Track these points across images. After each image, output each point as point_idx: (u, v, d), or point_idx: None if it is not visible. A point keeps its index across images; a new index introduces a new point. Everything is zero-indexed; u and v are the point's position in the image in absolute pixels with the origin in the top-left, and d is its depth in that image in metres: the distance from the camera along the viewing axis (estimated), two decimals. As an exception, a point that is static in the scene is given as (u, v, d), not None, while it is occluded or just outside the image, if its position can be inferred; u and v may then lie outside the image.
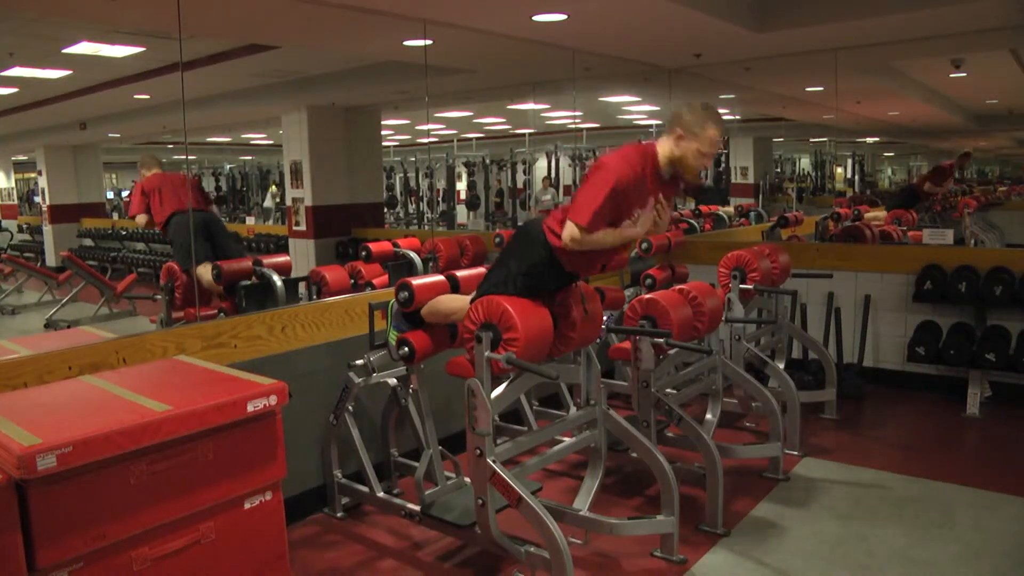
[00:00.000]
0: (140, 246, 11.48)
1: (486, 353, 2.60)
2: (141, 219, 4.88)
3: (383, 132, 9.40)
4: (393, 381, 3.36)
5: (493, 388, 2.68)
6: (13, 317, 8.64)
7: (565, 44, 5.25)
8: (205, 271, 4.36)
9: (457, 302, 2.98)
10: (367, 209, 8.71)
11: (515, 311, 2.60)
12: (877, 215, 6.78)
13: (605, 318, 3.40)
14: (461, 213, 12.95)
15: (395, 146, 14.90)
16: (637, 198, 2.70)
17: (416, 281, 3.04)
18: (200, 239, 4.57)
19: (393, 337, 3.10)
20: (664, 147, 2.74)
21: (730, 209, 8.50)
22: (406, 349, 3.01)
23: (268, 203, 13.97)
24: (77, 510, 1.79)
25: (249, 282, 4.35)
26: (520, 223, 10.66)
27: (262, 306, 4.11)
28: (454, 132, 13.60)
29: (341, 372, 3.30)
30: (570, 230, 2.65)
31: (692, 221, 7.44)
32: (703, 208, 8.21)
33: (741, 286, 4.05)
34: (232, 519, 2.09)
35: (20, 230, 15.36)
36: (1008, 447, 4.11)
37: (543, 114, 10.30)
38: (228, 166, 14.93)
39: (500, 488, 2.62)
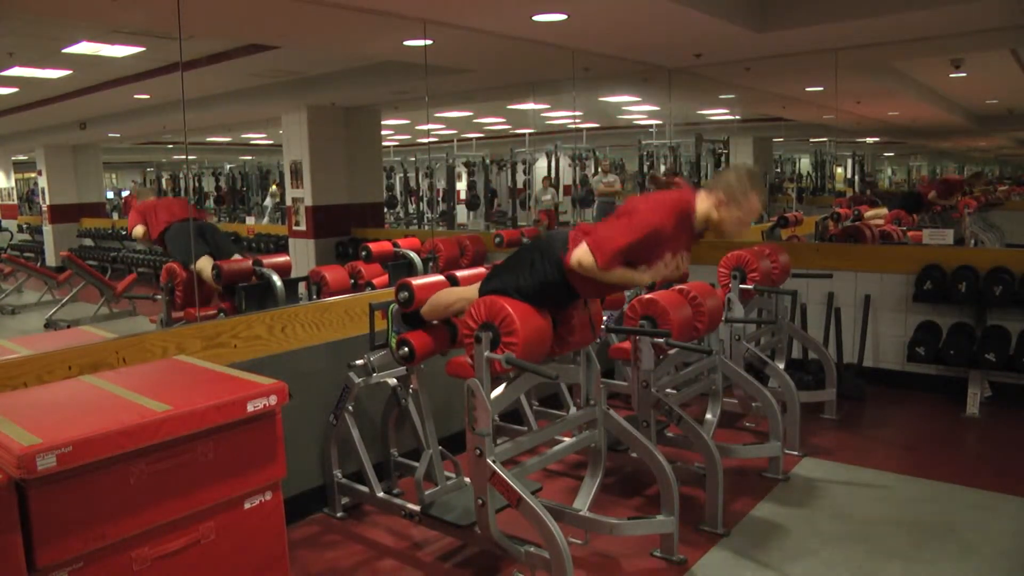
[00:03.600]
0: (140, 246, 11.46)
1: (485, 353, 2.60)
2: (139, 230, 4.88)
3: (383, 132, 9.40)
4: (393, 381, 3.36)
5: (493, 388, 2.68)
6: (13, 317, 8.64)
7: (565, 44, 5.25)
8: (205, 264, 4.37)
9: (455, 293, 2.99)
10: (367, 209, 8.71)
11: (515, 312, 2.60)
12: (878, 213, 6.78)
13: (605, 318, 3.40)
14: (461, 213, 12.95)
15: (395, 146, 14.90)
16: (661, 251, 2.67)
17: (416, 281, 3.04)
18: (198, 240, 4.57)
19: (394, 340, 3.10)
20: (703, 206, 2.71)
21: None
22: (406, 349, 3.02)
23: (267, 202, 13.96)
24: (77, 510, 1.79)
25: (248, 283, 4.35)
26: (520, 223, 10.68)
27: (262, 306, 4.11)
28: (454, 132, 13.59)
29: (341, 372, 3.30)
30: (583, 256, 2.60)
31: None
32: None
33: (741, 286, 4.05)
34: (232, 519, 2.09)
35: (20, 230, 15.36)
36: (1008, 447, 4.11)
37: (543, 114, 10.30)
38: (228, 166, 14.93)
39: (500, 488, 2.62)
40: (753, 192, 2.69)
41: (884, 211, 6.97)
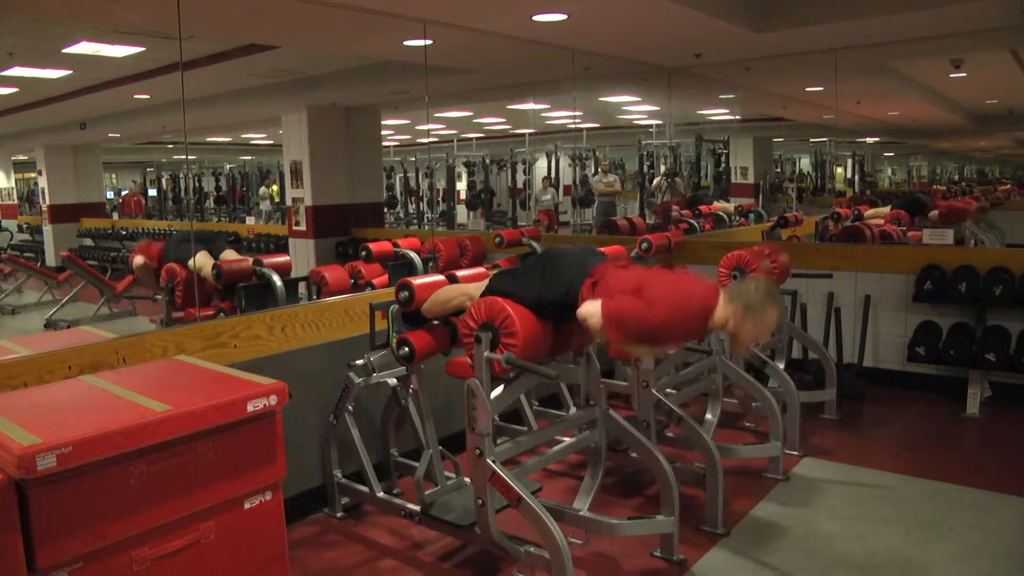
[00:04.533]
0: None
1: (485, 353, 2.60)
2: (139, 260, 4.78)
3: (383, 132, 9.39)
4: (393, 381, 3.36)
5: (493, 388, 2.68)
6: (13, 317, 8.64)
7: (565, 44, 5.24)
8: (205, 261, 4.35)
9: (454, 289, 2.99)
10: (367, 209, 8.71)
11: (515, 312, 2.61)
12: (878, 213, 6.78)
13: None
14: (461, 213, 12.95)
15: (395, 146, 14.90)
16: (672, 339, 2.68)
17: (416, 281, 3.04)
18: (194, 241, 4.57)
19: (394, 340, 3.10)
20: (721, 313, 2.63)
21: (729, 207, 8.51)
22: (406, 349, 3.02)
23: (264, 205, 13.97)
24: (77, 510, 1.79)
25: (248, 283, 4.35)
26: (520, 223, 10.67)
27: (262, 306, 4.11)
28: (454, 132, 13.59)
29: (341, 372, 3.30)
30: (593, 318, 2.58)
31: (692, 221, 7.45)
32: (703, 208, 8.21)
33: (741, 286, 4.04)
34: (232, 519, 2.09)
35: (20, 230, 15.36)
36: (1008, 447, 4.11)
37: (543, 114, 10.30)
38: (228, 166, 14.93)
39: (500, 488, 2.62)
40: (772, 308, 2.63)
41: (885, 211, 6.97)
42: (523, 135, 12.38)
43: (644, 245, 4.88)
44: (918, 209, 7.57)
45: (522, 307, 2.66)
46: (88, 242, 12.55)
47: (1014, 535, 3.11)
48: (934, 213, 7.53)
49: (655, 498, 3.39)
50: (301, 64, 6.77)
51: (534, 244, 6.02)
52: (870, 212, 6.72)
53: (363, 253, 4.72)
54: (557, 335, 2.81)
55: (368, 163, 8.71)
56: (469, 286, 2.96)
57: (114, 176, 19.56)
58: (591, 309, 2.59)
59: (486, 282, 2.90)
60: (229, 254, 4.59)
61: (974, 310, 4.76)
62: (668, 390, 3.64)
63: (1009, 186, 13.26)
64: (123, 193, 17.26)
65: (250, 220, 12.44)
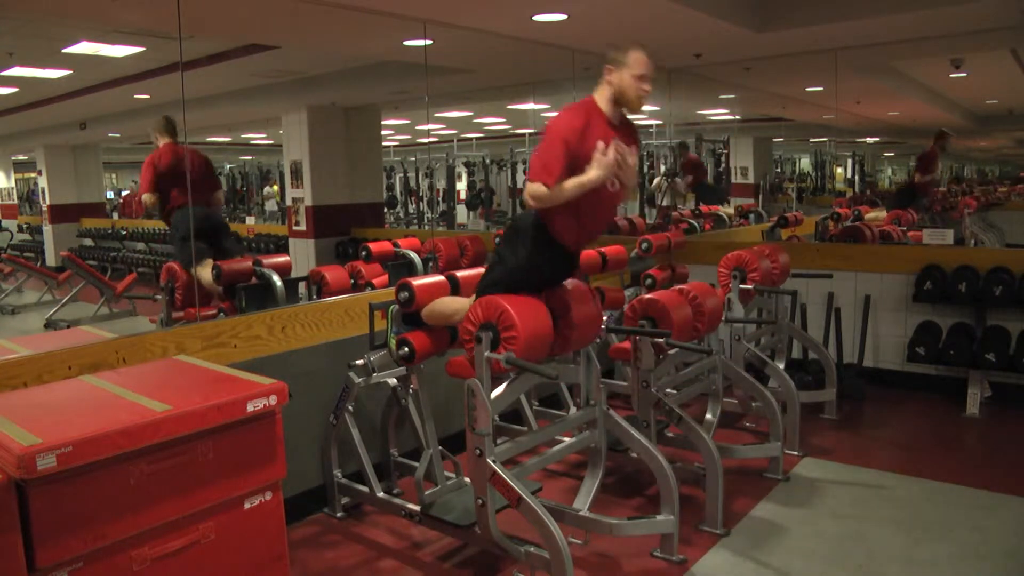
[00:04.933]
0: (140, 246, 11.46)
1: (486, 353, 2.60)
2: (149, 199, 4.65)
3: (383, 132, 9.39)
4: (393, 381, 3.36)
5: (493, 388, 2.68)
6: (13, 317, 8.63)
7: (565, 44, 5.25)
8: (205, 271, 4.35)
9: (457, 303, 2.98)
10: (367, 209, 8.70)
11: (515, 311, 2.60)
12: (877, 216, 6.78)
13: (605, 318, 3.40)
14: (461, 213, 12.95)
15: (395, 146, 14.90)
16: (587, 143, 2.69)
17: (416, 281, 3.04)
18: (201, 238, 4.54)
19: (393, 341, 3.10)
20: (601, 92, 2.80)
21: (730, 210, 8.50)
22: (406, 349, 3.02)
23: (269, 205, 13.96)
24: (77, 510, 1.79)
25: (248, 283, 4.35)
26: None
27: (262, 306, 4.11)
28: (454, 132, 13.58)
29: (341, 372, 3.30)
30: (529, 188, 2.67)
31: (692, 221, 7.44)
32: (703, 208, 8.21)
33: (741, 286, 4.05)
34: (232, 519, 2.09)
35: (20, 230, 15.35)
36: (1008, 447, 4.11)
37: (543, 114, 10.29)
38: (228, 166, 14.93)
39: (500, 488, 2.62)
40: (633, 48, 2.76)
41: (883, 214, 6.96)
42: (523, 135, 12.37)
43: (644, 245, 4.88)
44: (911, 194, 7.58)
45: (519, 299, 2.67)
46: (88, 242, 12.54)
47: (1014, 535, 3.11)
48: (919, 175, 7.52)
49: (655, 498, 3.39)
50: (301, 64, 6.76)
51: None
52: (870, 215, 6.71)
53: (363, 253, 4.71)
54: (558, 323, 2.81)
55: (368, 163, 8.71)
56: (471, 301, 2.96)
57: (114, 176, 19.54)
58: (526, 189, 2.70)
59: None
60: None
61: (974, 310, 4.76)
62: (668, 390, 3.64)
63: (1007, 187, 13.26)
64: (123, 193, 17.24)
65: (250, 220, 12.44)
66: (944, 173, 18.58)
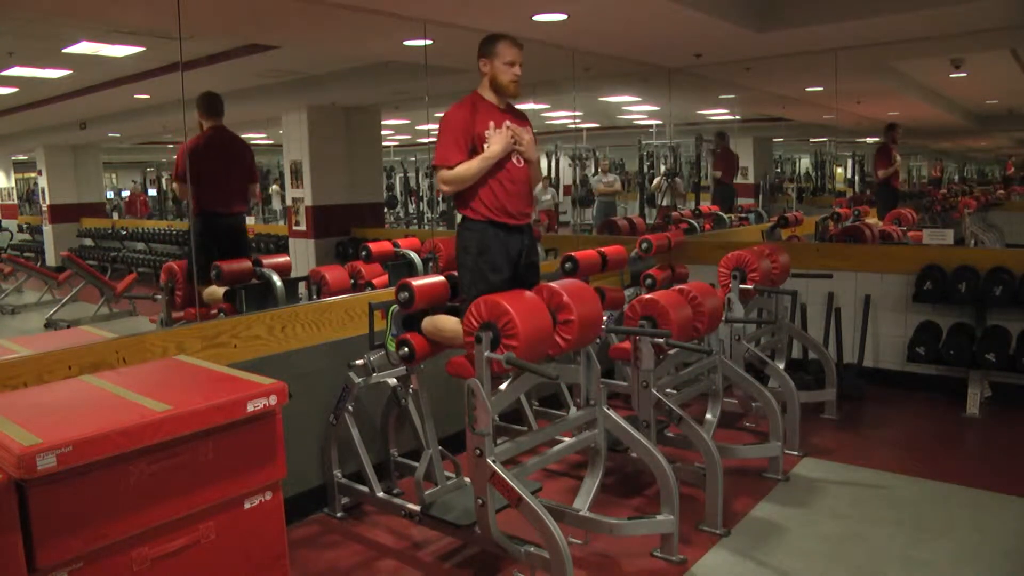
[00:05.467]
0: (140, 246, 11.48)
1: (486, 353, 2.60)
2: (178, 187, 4.45)
3: (383, 132, 9.39)
4: (393, 381, 3.36)
5: (493, 388, 2.68)
6: (13, 317, 8.64)
7: (565, 44, 5.24)
8: (212, 294, 4.25)
9: (459, 327, 2.98)
10: (367, 209, 8.70)
11: (515, 311, 2.60)
12: (877, 223, 6.78)
13: (605, 318, 3.40)
14: (461, 213, 12.93)
15: (395, 146, 14.90)
16: (480, 127, 3.00)
17: (416, 281, 3.04)
18: (219, 246, 4.40)
19: (391, 343, 3.10)
20: (483, 84, 3.09)
21: (732, 215, 8.50)
22: (406, 349, 3.01)
23: (276, 204, 13.93)
24: (77, 510, 1.79)
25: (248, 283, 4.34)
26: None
27: (262, 306, 4.10)
28: (454, 132, 13.56)
29: (341, 372, 3.30)
30: (438, 176, 3.02)
31: (692, 221, 7.44)
32: (703, 208, 8.21)
33: (741, 286, 4.05)
34: (232, 519, 2.09)
35: (20, 230, 15.36)
36: (1008, 447, 4.11)
37: (543, 114, 10.29)
38: (228, 166, 14.89)
39: (500, 488, 2.62)
40: (498, 40, 3.02)
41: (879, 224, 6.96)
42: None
43: (644, 245, 4.87)
44: (892, 194, 7.58)
45: (518, 298, 2.70)
46: (88, 242, 12.55)
47: (1014, 535, 3.11)
48: (881, 172, 7.52)
49: (655, 498, 3.40)
50: (301, 64, 6.76)
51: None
52: (871, 221, 6.71)
53: (363, 253, 4.71)
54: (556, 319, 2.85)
55: (368, 163, 8.71)
56: None
57: (114, 176, 19.55)
58: (435, 177, 3.08)
59: None
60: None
61: (974, 310, 4.75)
62: (668, 390, 3.64)
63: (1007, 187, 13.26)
64: (123, 193, 17.25)
65: (250, 220, 12.42)
66: (947, 173, 18.59)
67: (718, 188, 9.01)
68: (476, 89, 3.11)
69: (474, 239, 3.03)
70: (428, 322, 3.05)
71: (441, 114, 3.15)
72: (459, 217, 3.14)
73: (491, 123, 3.02)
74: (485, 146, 2.99)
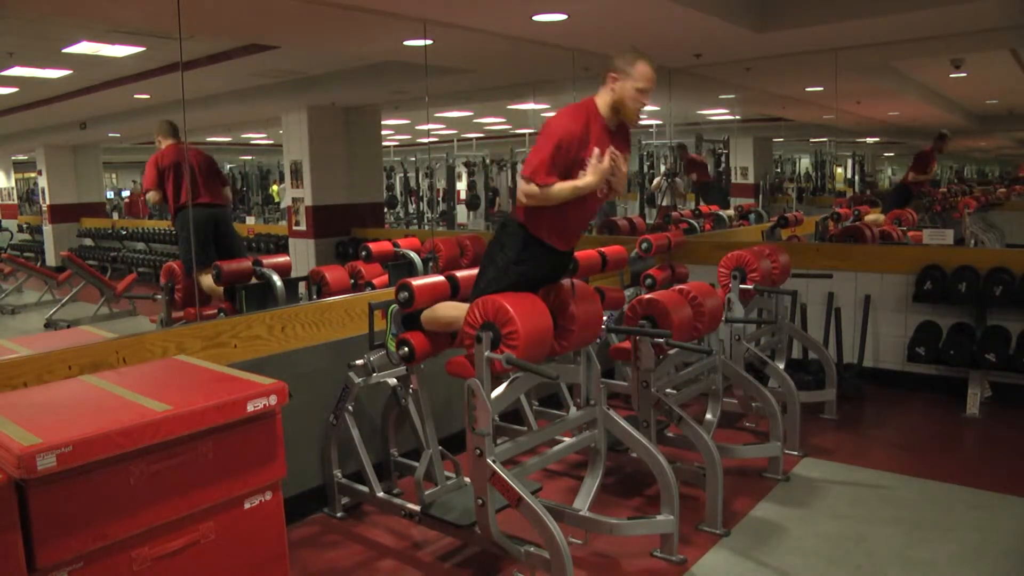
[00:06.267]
0: (140, 246, 11.47)
1: (486, 353, 2.60)
2: (153, 196, 4.67)
3: (383, 132, 9.39)
4: (393, 381, 3.36)
5: (493, 388, 2.68)
6: (13, 317, 8.63)
7: (565, 44, 5.25)
8: (207, 279, 4.32)
9: (457, 310, 2.98)
10: (367, 209, 8.70)
11: (515, 310, 2.60)
12: (877, 219, 6.78)
13: (605, 318, 3.40)
14: (461, 213, 12.95)
15: (395, 146, 14.90)
16: (584, 148, 2.72)
17: (416, 281, 3.03)
18: (207, 240, 4.52)
19: (392, 342, 3.09)
20: (603, 96, 2.80)
21: (730, 211, 8.50)
22: (406, 349, 3.01)
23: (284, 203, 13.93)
24: (77, 510, 1.79)
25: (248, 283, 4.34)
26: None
27: (262, 306, 4.11)
28: (454, 132, 13.58)
29: (341, 372, 3.30)
30: (522, 187, 2.70)
31: (692, 221, 7.44)
32: (703, 208, 8.21)
33: (741, 286, 4.05)
34: (232, 519, 2.09)
35: (20, 230, 15.34)
36: (1008, 447, 4.11)
37: (543, 114, 10.29)
38: (228, 166, 14.92)
39: (500, 488, 2.62)
40: (640, 61, 2.76)
41: (881, 217, 6.96)
42: (523, 135, 12.37)
43: (644, 245, 4.88)
44: (907, 193, 7.57)
45: (518, 298, 2.68)
46: (88, 242, 12.54)
47: (1014, 535, 3.11)
48: (912, 174, 7.48)
49: (655, 498, 3.39)
50: (301, 64, 6.76)
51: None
52: (870, 218, 6.71)
53: (363, 253, 4.71)
54: (557, 320, 2.82)
55: (368, 163, 8.71)
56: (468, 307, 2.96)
57: (114, 176, 19.53)
58: (519, 189, 2.72)
59: None
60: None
61: (974, 310, 4.75)
62: (668, 390, 3.64)
63: (1008, 187, 13.25)
64: (123, 193, 17.22)
65: (250, 220, 12.43)
66: (944, 172, 18.59)
67: (701, 189, 9.01)
68: (594, 97, 2.83)
69: (517, 246, 2.81)
70: (427, 312, 3.04)
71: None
72: (505, 210, 3.05)
73: (596, 150, 2.72)
74: (581, 173, 2.72)
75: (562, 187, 2.69)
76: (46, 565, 1.76)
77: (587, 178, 2.70)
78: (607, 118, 2.81)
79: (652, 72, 2.79)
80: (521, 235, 2.81)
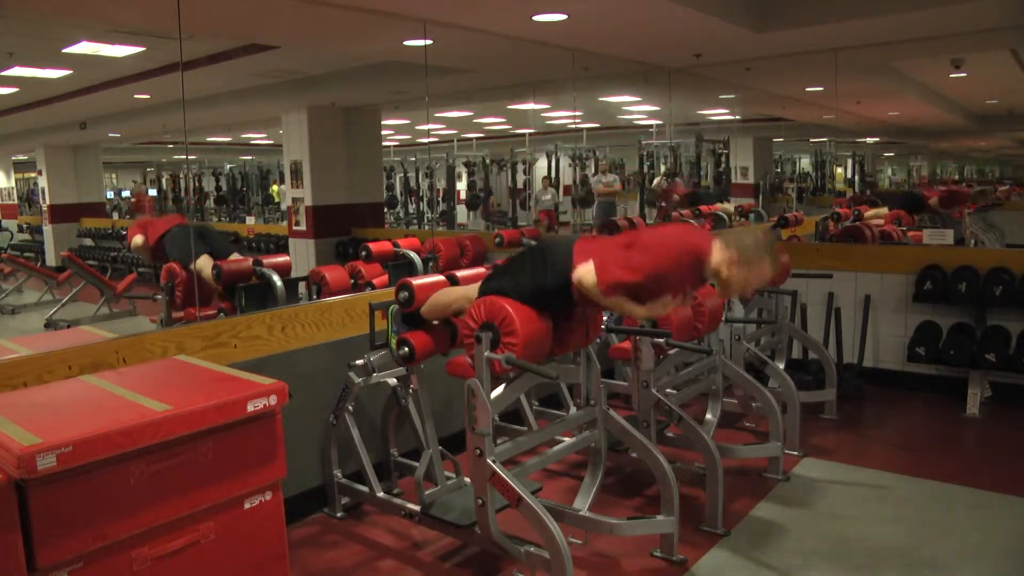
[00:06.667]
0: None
1: (486, 353, 2.60)
2: (138, 240, 4.84)
3: (383, 132, 9.40)
4: (393, 381, 3.36)
5: (493, 388, 2.68)
6: (13, 317, 8.63)
7: (565, 44, 5.25)
8: (205, 263, 4.36)
9: (455, 292, 2.98)
10: (367, 209, 8.71)
11: (515, 312, 2.60)
12: (878, 213, 6.78)
13: (605, 318, 3.40)
14: (461, 213, 12.95)
15: (395, 146, 14.90)
16: (663, 291, 2.64)
17: (416, 281, 3.04)
18: (196, 240, 4.57)
19: (394, 340, 3.10)
20: (717, 258, 2.64)
21: (729, 207, 8.50)
22: (406, 349, 3.01)
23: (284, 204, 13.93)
24: (77, 510, 1.79)
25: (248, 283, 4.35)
26: (520, 223, 10.67)
27: (262, 306, 4.11)
28: (454, 132, 13.59)
29: (341, 372, 3.30)
30: (586, 276, 2.59)
31: (692, 221, 7.44)
32: (703, 208, 8.21)
33: (741, 286, 4.04)
34: (232, 519, 2.09)
35: (20, 230, 15.34)
36: (1008, 447, 4.11)
37: (543, 114, 10.29)
38: (228, 166, 14.93)
39: (500, 488, 2.62)
40: (766, 258, 2.66)
41: (884, 211, 6.97)
42: (523, 135, 12.37)
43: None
44: (919, 205, 7.57)
45: (523, 305, 2.66)
46: (88, 242, 12.54)
47: (1014, 535, 3.11)
48: (935, 201, 7.50)
49: (655, 498, 3.39)
50: (301, 64, 6.77)
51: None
52: (870, 213, 6.71)
53: (363, 253, 4.71)
54: (558, 330, 2.81)
55: (368, 163, 8.71)
56: (469, 289, 2.95)
57: (114, 176, 19.53)
58: (584, 269, 2.60)
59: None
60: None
61: (974, 310, 4.75)
62: (668, 390, 3.64)
63: (1009, 186, 13.24)
64: (123, 193, 17.23)
65: (250, 220, 12.44)
66: (945, 172, 18.59)
67: (695, 199, 8.99)
68: (711, 244, 2.69)
69: (546, 284, 2.70)
70: (426, 305, 3.03)
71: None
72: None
73: (682, 294, 2.71)
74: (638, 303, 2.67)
75: (618, 303, 2.64)
76: (46, 565, 1.76)
77: (642, 311, 2.66)
78: (707, 275, 2.73)
79: (770, 273, 2.74)
80: (557, 281, 2.68)
